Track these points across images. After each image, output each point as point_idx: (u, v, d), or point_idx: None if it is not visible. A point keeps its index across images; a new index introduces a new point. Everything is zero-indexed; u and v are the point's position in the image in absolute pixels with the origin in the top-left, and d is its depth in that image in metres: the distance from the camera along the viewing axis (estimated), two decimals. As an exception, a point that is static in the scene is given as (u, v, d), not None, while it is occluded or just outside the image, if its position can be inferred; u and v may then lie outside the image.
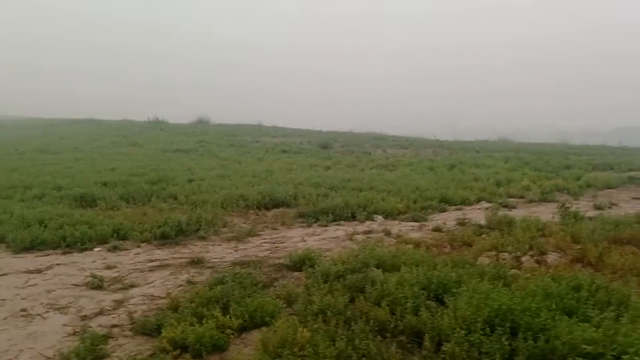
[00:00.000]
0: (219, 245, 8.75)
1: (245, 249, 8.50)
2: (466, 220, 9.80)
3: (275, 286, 6.50)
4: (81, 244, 8.38)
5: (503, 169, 17.73)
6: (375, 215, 10.64)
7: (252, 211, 11.36)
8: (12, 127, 42.62)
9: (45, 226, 8.88)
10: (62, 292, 6.35)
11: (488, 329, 4.46)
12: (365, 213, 10.62)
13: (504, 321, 4.55)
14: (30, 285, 6.58)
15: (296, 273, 6.99)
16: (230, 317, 5.15)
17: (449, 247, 8.28)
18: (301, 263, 7.08)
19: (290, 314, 5.48)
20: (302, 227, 10.02)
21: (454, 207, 11.67)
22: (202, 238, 9.09)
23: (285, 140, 33.66)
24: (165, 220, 9.44)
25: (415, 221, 10.37)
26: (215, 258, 7.90)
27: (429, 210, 11.16)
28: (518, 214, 10.89)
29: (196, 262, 7.61)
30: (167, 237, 9.00)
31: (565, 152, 28.06)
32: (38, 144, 26.68)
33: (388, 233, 9.21)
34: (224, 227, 9.86)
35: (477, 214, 10.83)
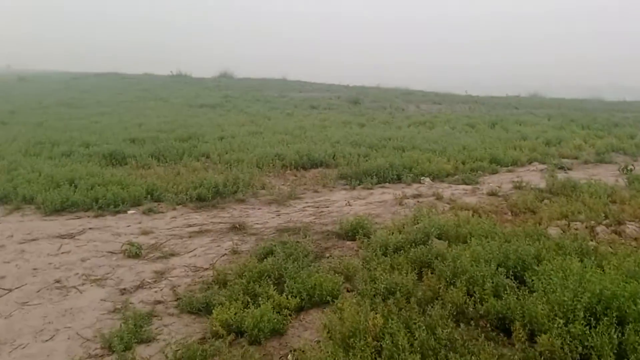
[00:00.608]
0: (259, 209, 8.22)
1: (288, 213, 7.96)
2: (523, 184, 9.09)
3: (328, 257, 5.98)
4: (114, 206, 7.93)
5: (549, 127, 16.78)
6: (422, 177, 9.99)
7: (289, 171, 10.79)
8: (34, 80, 42.42)
9: (76, 187, 8.45)
10: (98, 261, 5.90)
11: (591, 318, 3.87)
12: (411, 175, 9.97)
13: (609, 309, 3.94)
14: (63, 253, 6.15)
15: (348, 242, 6.43)
16: (286, 296, 4.63)
17: (510, 214, 7.64)
18: (353, 231, 6.52)
19: (350, 292, 4.96)
20: (345, 189, 9.43)
21: (505, 168, 10.93)
22: (241, 201, 8.57)
23: (312, 95, 32.81)
24: (200, 181, 8.93)
25: (466, 184, 9.69)
26: (257, 223, 7.39)
27: (478, 172, 10.45)
28: (576, 176, 10.13)
29: (238, 228, 7.11)
30: (204, 199, 8.51)
31: (607, 109, 26.74)
32: (62, 97, 26.33)
33: (439, 197, 8.58)
34: (263, 188, 9.32)
35: (532, 176, 10.09)
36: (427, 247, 5.66)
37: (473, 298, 4.43)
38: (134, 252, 6.05)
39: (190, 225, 7.32)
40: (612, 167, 11.19)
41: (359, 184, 9.55)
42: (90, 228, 7.12)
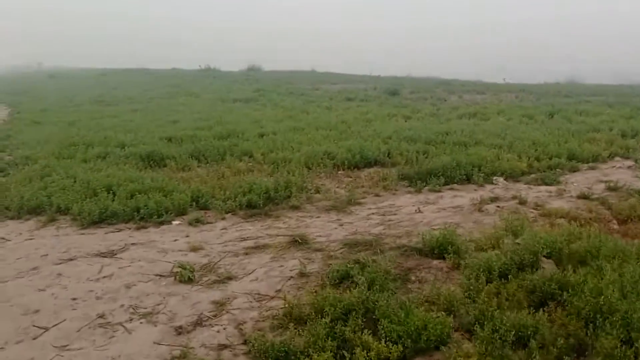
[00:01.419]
0: (318, 217, 7.31)
1: (351, 222, 7.03)
2: (616, 184, 7.99)
3: (415, 282, 5.04)
4: (157, 217, 7.11)
5: (616, 116, 15.45)
6: (495, 177, 8.94)
7: (341, 172, 9.85)
8: (63, 77, 42.29)
9: (114, 194, 7.66)
10: (145, 288, 5.07)
11: None
12: (482, 174, 8.92)
13: None
14: (105, 277, 5.34)
15: (435, 262, 5.46)
16: (385, 343, 3.71)
17: (615, 222, 6.57)
18: (440, 248, 5.55)
19: (461, 333, 4.01)
20: (410, 192, 8.45)
21: (585, 165, 9.78)
22: (295, 207, 7.67)
23: (346, 87, 31.79)
24: (249, 185, 8.06)
25: (546, 184, 8.61)
26: (319, 236, 6.48)
27: (557, 169, 9.34)
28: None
29: (299, 242, 6.21)
30: (254, 206, 7.64)
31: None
32: (92, 95, 25.86)
33: (522, 201, 7.55)
34: (317, 192, 8.41)
35: (622, 175, 8.97)
36: (540, 271, 4.68)
37: (635, 349, 3.44)
38: (186, 276, 5.19)
39: (244, 239, 6.45)
40: None
41: (424, 186, 8.56)
42: (132, 243, 6.30)
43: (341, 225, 6.93)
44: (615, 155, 10.45)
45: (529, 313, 3.93)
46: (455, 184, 8.74)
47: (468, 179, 8.88)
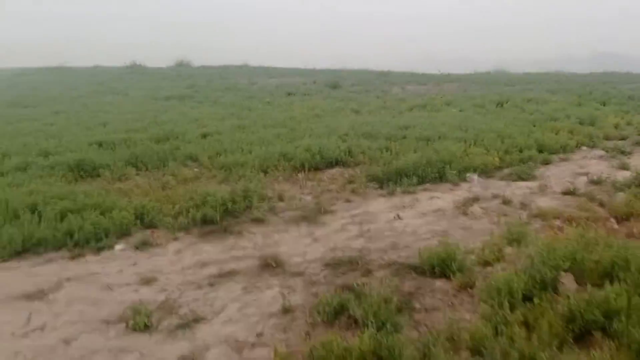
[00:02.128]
0: (286, 231, 6.42)
1: (327, 235, 6.20)
2: (599, 177, 7.58)
3: (419, 310, 4.28)
4: (96, 241, 5.99)
5: (565, 104, 15.42)
6: (468, 175, 8.35)
7: (301, 174, 8.99)
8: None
9: (40, 215, 6.45)
10: (90, 341, 4.03)
11: None
12: (454, 172, 8.30)
13: None
14: (35, 330, 4.24)
15: (438, 283, 4.72)
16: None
17: (614, 221, 6.08)
18: (441, 265, 4.81)
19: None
20: (382, 195, 7.70)
21: (555, 156, 9.38)
22: (259, 221, 6.74)
23: (285, 80, 30.88)
24: (202, 196, 7.05)
25: (523, 179, 8.11)
26: (294, 255, 5.61)
27: (529, 163, 8.88)
28: (642, 163, 8.72)
29: (273, 266, 5.32)
30: (211, 221, 6.66)
31: (594, 82, 25.71)
32: (8, 96, 23.62)
33: (506, 201, 6.98)
34: (281, 200, 7.51)
35: (597, 165, 8.63)
36: (560, 288, 4.05)
37: None
38: (141, 322, 4.19)
39: (205, 264, 5.48)
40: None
41: (396, 187, 7.84)
42: (68, 279, 5.19)
43: (315, 240, 6.08)
44: (581, 144, 10.16)
45: (576, 349, 3.25)
46: (428, 184, 8.08)
47: (440, 177, 8.25)
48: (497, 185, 7.84)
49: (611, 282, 4.11)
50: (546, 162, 8.97)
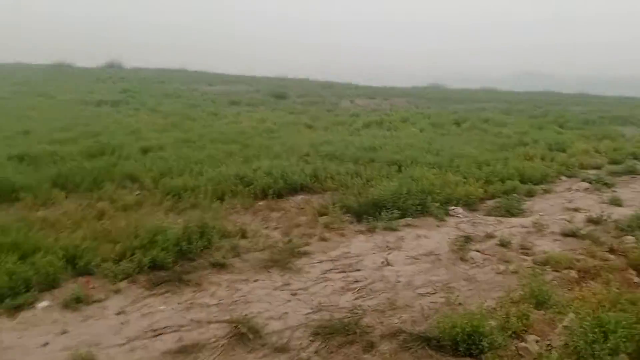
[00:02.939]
0: (256, 280, 5.34)
1: (306, 288, 5.17)
2: (599, 217, 6.96)
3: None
4: (12, 297, 4.70)
5: (526, 125, 15.12)
6: (452, 208, 7.56)
7: (261, 202, 7.93)
8: None
9: (-63, 260, 5.06)
10: None
11: None
12: (437, 204, 7.49)
13: None
14: None
15: (463, 364, 3.82)
16: None
17: (632, 272, 5.40)
18: (465, 341, 3.90)
19: None
20: (361, 232, 6.76)
21: (539, 187, 8.75)
22: (220, 266, 5.62)
23: (227, 88, 29.60)
24: (150, 234, 5.85)
25: (511, 214, 7.41)
26: (272, 318, 4.54)
27: (513, 195, 8.20)
28: (628, 196, 8.25)
29: (247, 336, 4.23)
30: (162, 266, 5.48)
31: (546, 102, 26.06)
32: None
33: (505, 243, 6.20)
34: (244, 237, 6.42)
35: (585, 200, 8.08)
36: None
37: None
38: None
39: (157, 332, 4.32)
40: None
41: (376, 223, 6.92)
42: (-30, 358, 3.91)
43: (294, 294, 5.04)
44: (560, 173, 9.64)
45: None
46: (410, 217, 7.21)
47: (422, 210, 7.40)
48: (486, 222, 7.07)
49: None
50: (531, 195, 8.33)
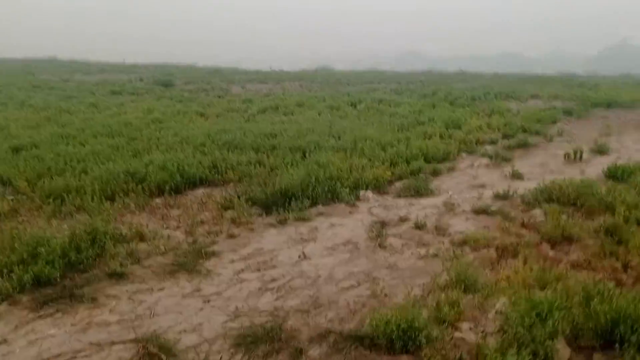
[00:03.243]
0: (161, 289, 4.79)
1: (219, 291, 4.71)
2: (506, 192, 7.07)
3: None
4: None
5: (419, 105, 15.38)
6: (362, 192, 7.37)
7: (158, 199, 7.29)
8: None
9: None
10: None
11: None
12: (346, 190, 7.27)
13: None
14: None
15: (404, 358, 3.57)
16: None
17: (546, 245, 5.48)
18: (402, 338, 3.65)
19: None
20: (272, 225, 6.35)
21: (442, 165, 8.81)
22: (117, 275, 4.99)
23: (106, 77, 27.77)
24: (31, 245, 5.07)
25: (420, 194, 7.35)
26: (185, 331, 4.04)
27: (420, 175, 8.19)
28: (527, 170, 8.55)
29: (160, 356, 3.72)
30: (48, 281, 4.76)
31: (432, 81, 26.98)
32: None
33: (420, 225, 6.08)
34: (142, 240, 5.79)
35: (488, 175, 8.24)
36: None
37: None
38: None
39: (49, 363, 3.69)
40: (545, 152, 9.93)
41: (287, 214, 6.55)
42: None
43: (207, 301, 4.55)
44: (460, 150, 9.80)
45: None
46: (320, 206, 6.92)
47: (332, 197, 7.14)
48: (398, 205, 6.95)
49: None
50: (436, 173, 8.36)
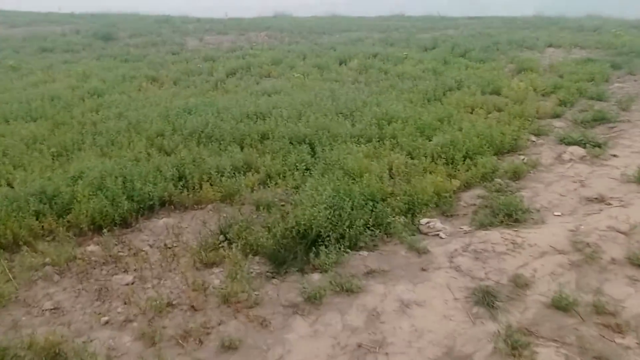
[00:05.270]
0: None
1: None
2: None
3: None
4: None
5: (427, 60, 12.57)
6: (425, 221, 4.71)
7: (91, 247, 4.49)
8: None
9: None
10: None
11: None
12: (399, 218, 4.62)
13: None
14: None
15: None
16: None
17: None
18: None
19: None
20: (296, 307, 3.64)
21: (518, 161, 6.13)
22: None
23: (37, 30, 23.86)
24: None
25: (515, 220, 4.72)
26: None
27: (496, 180, 5.56)
28: None
29: None
30: None
31: (412, 27, 24.04)
32: None
33: (561, 304, 3.50)
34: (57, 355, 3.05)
35: (595, 177, 5.64)
36: None
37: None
38: None
39: None
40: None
41: (310, 273, 3.88)
42: None
43: None
44: (523, 131, 7.10)
45: None
46: (364, 251, 4.26)
47: (378, 230, 4.48)
48: (491, 246, 4.30)
49: None
50: (517, 175, 5.69)
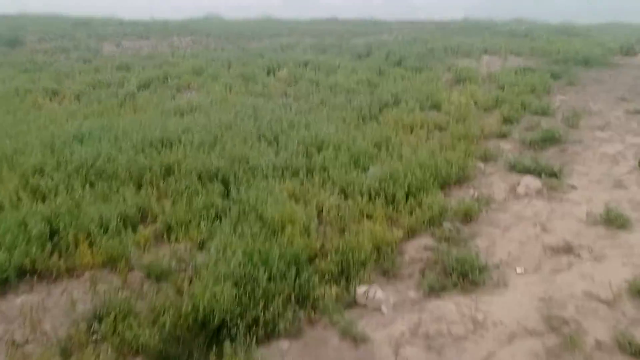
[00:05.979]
0: None
1: None
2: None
3: None
4: None
5: (364, 70, 11.68)
6: (363, 289, 3.72)
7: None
8: None
9: None
10: None
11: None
12: (330, 288, 3.65)
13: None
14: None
15: None
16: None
17: None
18: None
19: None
20: None
21: (469, 195, 5.27)
22: None
23: None
24: None
25: (473, 283, 3.84)
26: None
27: (445, 223, 4.66)
28: (608, 197, 5.32)
29: None
30: None
31: (344, 31, 23.30)
32: None
33: None
34: None
35: (556, 217, 4.86)
36: None
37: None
38: None
39: None
40: (593, 153, 6.73)
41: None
42: None
43: None
44: (468, 156, 6.26)
45: None
46: (282, 338, 3.25)
47: (304, 308, 3.49)
48: (446, 327, 3.38)
49: None
50: (468, 216, 4.82)
